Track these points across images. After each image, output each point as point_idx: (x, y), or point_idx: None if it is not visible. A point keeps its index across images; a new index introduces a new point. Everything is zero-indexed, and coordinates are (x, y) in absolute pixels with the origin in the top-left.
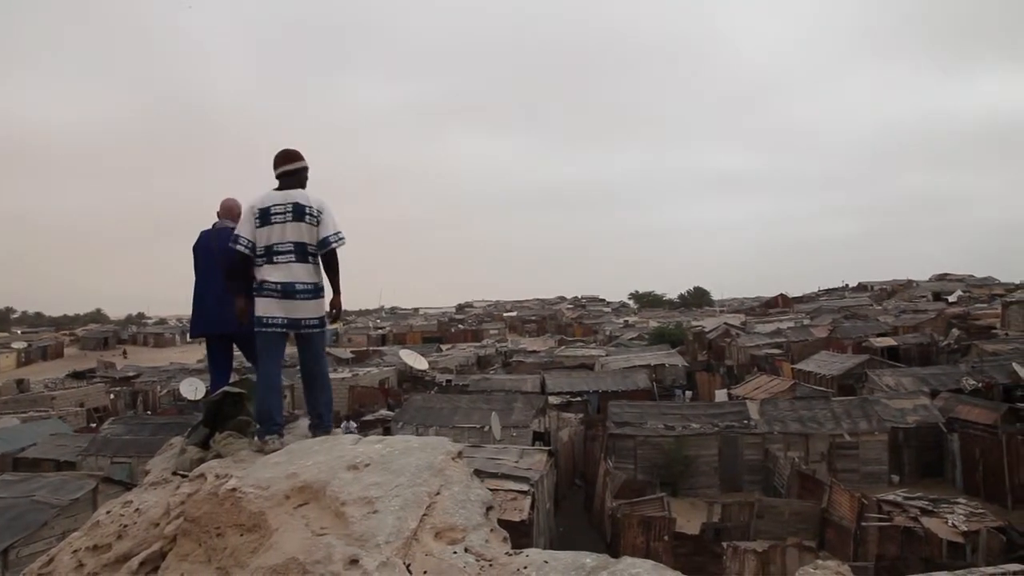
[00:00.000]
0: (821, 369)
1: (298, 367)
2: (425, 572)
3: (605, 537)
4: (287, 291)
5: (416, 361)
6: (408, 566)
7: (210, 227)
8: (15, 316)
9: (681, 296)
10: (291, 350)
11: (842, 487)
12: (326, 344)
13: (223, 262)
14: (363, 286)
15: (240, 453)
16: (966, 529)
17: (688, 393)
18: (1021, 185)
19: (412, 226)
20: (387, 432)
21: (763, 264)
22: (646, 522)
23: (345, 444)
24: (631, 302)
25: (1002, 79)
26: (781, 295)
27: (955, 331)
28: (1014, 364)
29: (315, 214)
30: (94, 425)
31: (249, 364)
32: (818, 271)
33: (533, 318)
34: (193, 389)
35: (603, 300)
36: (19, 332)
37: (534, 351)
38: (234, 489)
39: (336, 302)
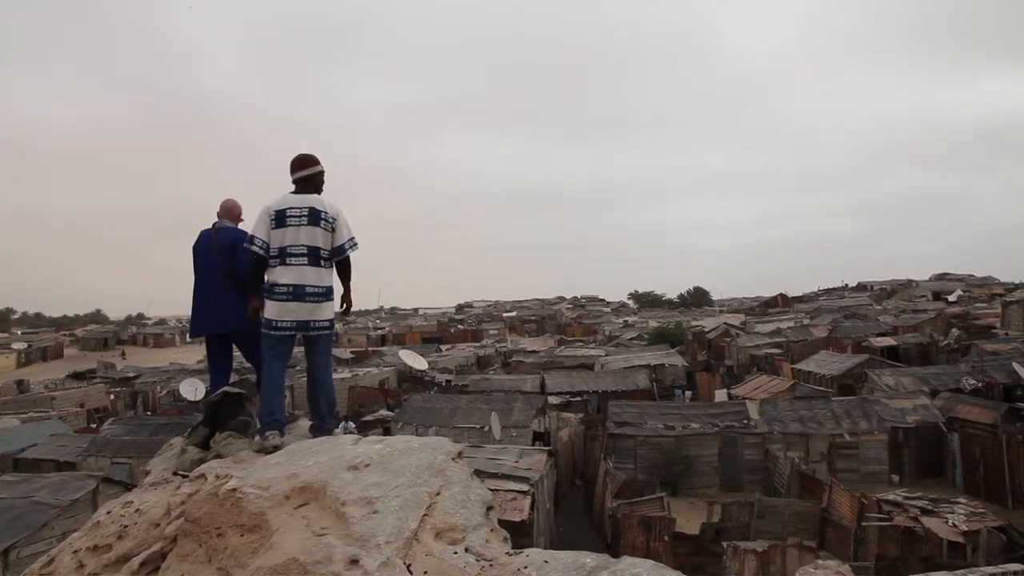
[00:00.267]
0: (821, 369)
1: (298, 367)
2: (425, 572)
3: (605, 537)
4: (298, 293)
5: (416, 361)
6: (408, 566)
7: (209, 227)
8: (15, 317)
9: (681, 296)
10: (296, 351)
11: (842, 487)
12: (331, 347)
13: (223, 263)
14: (363, 286)
15: (240, 453)
16: (966, 529)
17: (688, 393)
18: (1021, 185)
19: (411, 226)
20: (387, 432)
21: (763, 264)
22: (646, 522)
23: (345, 444)
24: (631, 302)
25: (1002, 79)
26: (781, 295)
27: (955, 331)
28: (1014, 364)
29: (330, 220)
30: (94, 426)
31: (249, 364)
32: (818, 271)
33: (533, 318)
34: (193, 389)
35: (603, 300)
36: (19, 333)
37: (534, 351)
38: (234, 489)
39: (347, 298)
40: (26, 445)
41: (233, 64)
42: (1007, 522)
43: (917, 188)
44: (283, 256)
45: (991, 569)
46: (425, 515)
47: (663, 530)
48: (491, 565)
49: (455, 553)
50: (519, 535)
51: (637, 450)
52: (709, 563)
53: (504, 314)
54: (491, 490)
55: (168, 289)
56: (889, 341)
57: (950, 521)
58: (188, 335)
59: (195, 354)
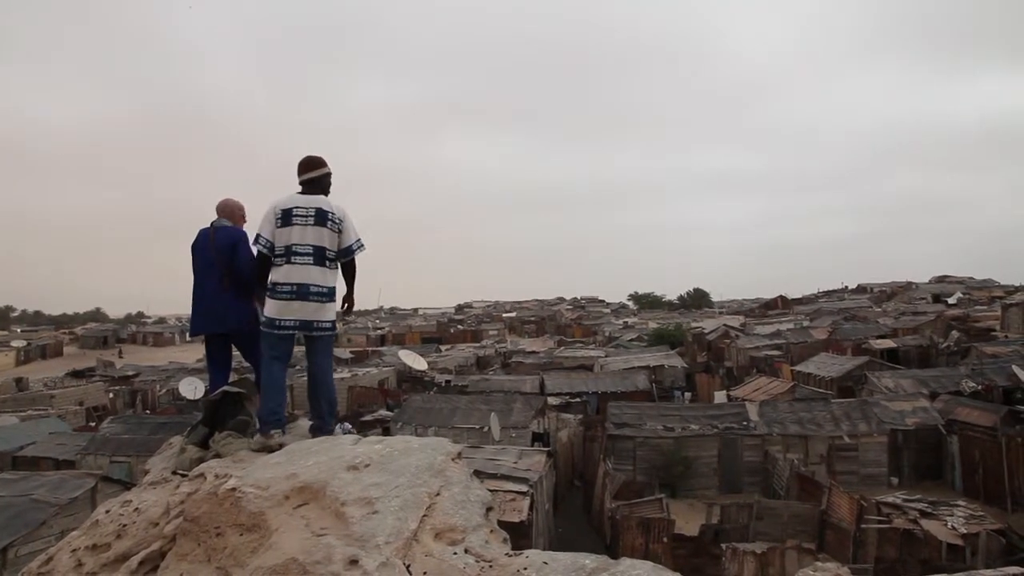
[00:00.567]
0: (820, 371)
1: (298, 367)
2: (425, 573)
3: (604, 538)
4: (302, 292)
5: (415, 361)
6: (408, 567)
7: (208, 226)
8: (15, 315)
9: (680, 297)
10: (296, 350)
11: (841, 489)
12: (332, 347)
13: (221, 261)
14: (363, 286)
15: (240, 453)
16: (965, 532)
17: (687, 394)
18: (1021, 187)
19: (411, 226)
20: (386, 432)
21: (762, 265)
22: (645, 523)
23: (345, 444)
24: (630, 303)
25: (1002, 80)
26: (780, 297)
27: (955, 333)
28: (1014, 366)
29: (337, 221)
30: (93, 424)
31: (248, 363)
32: (817, 272)
33: (532, 319)
34: (192, 388)
35: (602, 301)
36: (18, 331)
37: (533, 352)
38: (234, 489)
39: (350, 299)
40: (25, 443)
41: (233, 64)
42: (1006, 525)
43: (917, 189)
44: (288, 255)
45: (990, 572)
46: (425, 515)
47: (662, 531)
48: (491, 566)
49: (455, 554)
50: (518, 536)
51: (636, 451)
52: (708, 565)
53: (504, 315)
54: (490, 491)
55: (168, 288)
56: (889, 343)
57: (949, 524)
58: (188, 334)
59: (194, 353)
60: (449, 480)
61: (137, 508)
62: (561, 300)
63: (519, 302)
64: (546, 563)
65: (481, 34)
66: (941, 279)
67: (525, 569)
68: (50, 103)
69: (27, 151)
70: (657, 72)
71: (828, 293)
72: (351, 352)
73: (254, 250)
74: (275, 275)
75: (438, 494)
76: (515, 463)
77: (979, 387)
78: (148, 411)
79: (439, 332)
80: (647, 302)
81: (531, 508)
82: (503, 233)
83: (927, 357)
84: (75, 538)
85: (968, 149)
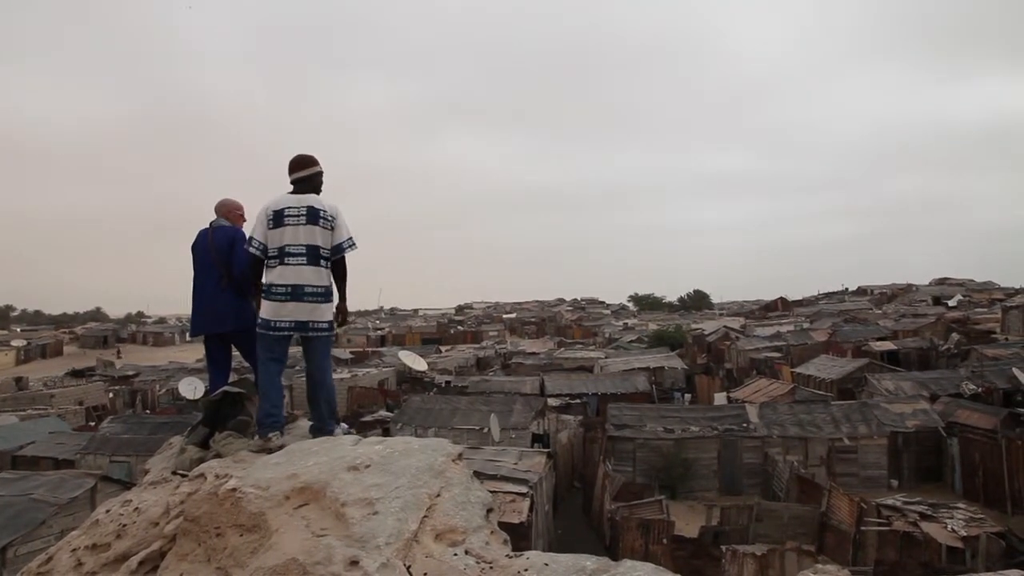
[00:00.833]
0: (821, 373)
1: (298, 367)
2: (425, 574)
3: (604, 540)
4: (296, 293)
5: (415, 362)
6: (409, 568)
7: (207, 226)
8: (15, 314)
9: (680, 299)
10: (294, 350)
11: (841, 491)
12: (331, 348)
13: (220, 261)
14: (362, 287)
15: (240, 453)
16: (965, 534)
17: (687, 396)
18: (1021, 188)
19: (411, 226)
20: (386, 433)
21: (763, 266)
22: (645, 525)
23: (345, 445)
24: (630, 304)
25: (1002, 81)
26: (781, 298)
27: (955, 335)
28: (1014, 369)
29: (329, 219)
30: (93, 424)
31: (248, 363)
32: (818, 274)
33: (532, 320)
34: (192, 388)
35: (602, 302)
36: (18, 330)
37: (533, 353)
38: (234, 489)
39: (342, 307)
40: (25, 442)
41: (233, 64)
42: (1006, 527)
43: (917, 190)
44: (282, 256)
45: (990, 575)
46: (425, 516)
47: (662, 533)
48: (491, 567)
49: (455, 555)
50: (518, 537)
51: (636, 453)
52: (708, 566)
53: (504, 315)
54: (490, 492)
55: (168, 288)
56: (889, 345)
57: (949, 526)
58: (188, 334)
59: (194, 353)
60: (449, 481)
61: (137, 508)
62: (561, 301)
63: (519, 303)
64: (547, 564)
65: (481, 34)
66: (941, 281)
67: (526, 571)
68: (50, 103)
69: (27, 151)
70: (657, 72)
71: (828, 295)
72: (351, 352)
73: (248, 252)
74: (269, 276)
75: (438, 495)
76: (515, 464)
77: (979, 389)
78: (148, 411)
79: (439, 333)
80: (647, 303)
81: (531, 509)
82: (503, 233)
83: (927, 359)
84: (75, 538)
85: (968, 150)
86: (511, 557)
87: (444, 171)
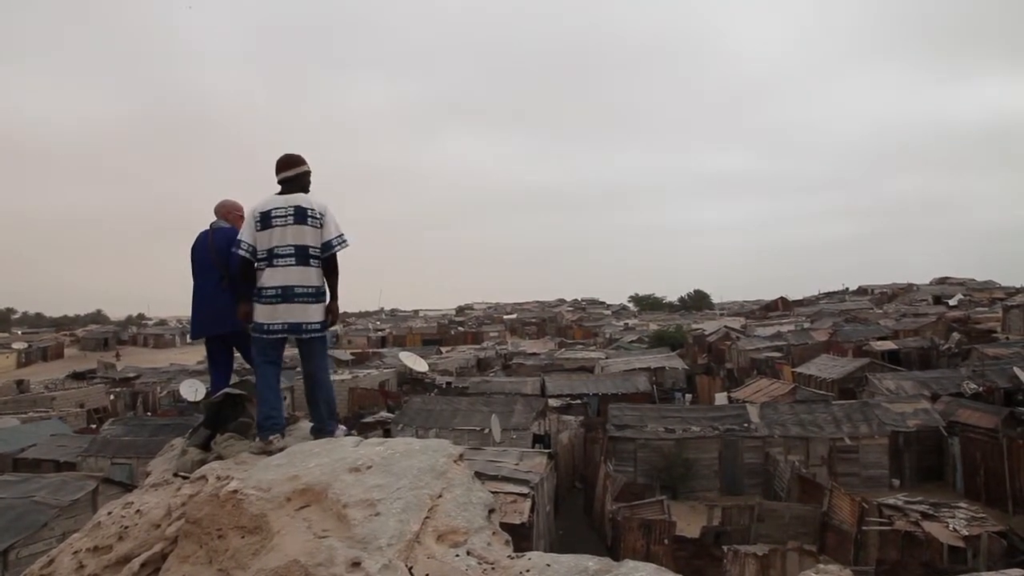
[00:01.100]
0: (821, 372)
1: (298, 368)
2: (427, 575)
3: (605, 540)
4: (286, 295)
5: (416, 363)
6: (411, 569)
7: (207, 228)
8: (16, 316)
9: (681, 299)
10: (292, 351)
11: (842, 491)
12: (327, 347)
13: (220, 263)
14: (363, 288)
15: (241, 455)
16: (967, 534)
17: (688, 396)
18: (1021, 188)
19: (411, 227)
20: (387, 434)
21: (763, 267)
22: (646, 525)
23: (347, 446)
24: (631, 305)
25: (1003, 81)
26: (781, 298)
27: (956, 335)
28: (1015, 368)
29: (318, 216)
30: (94, 426)
31: (249, 365)
32: (818, 274)
33: (533, 320)
34: (193, 390)
35: (603, 303)
36: (19, 332)
37: (534, 353)
38: (235, 491)
39: (333, 307)
40: (26, 445)
41: (233, 64)
42: (1008, 527)
43: (917, 190)
44: (271, 258)
45: (992, 574)
46: (427, 517)
47: (663, 533)
48: (493, 568)
49: (457, 556)
50: (519, 538)
51: (637, 453)
52: (709, 567)
53: (504, 316)
54: (491, 492)
55: (169, 289)
56: (890, 345)
57: (951, 526)
58: (189, 336)
59: (195, 355)
60: (451, 482)
61: (139, 510)
62: (562, 302)
63: (520, 303)
64: (548, 565)
65: (481, 34)
66: (942, 281)
67: (528, 571)
68: (50, 103)
69: (27, 151)
70: (657, 72)
71: (829, 295)
72: (351, 354)
73: (237, 255)
74: (259, 279)
75: (440, 496)
76: (516, 465)
77: (980, 389)
78: (149, 413)
79: (440, 334)
80: (648, 304)
81: (532, 510)
82: (503, 234)
83: (928, 359)
84: (76, 540)
85: (968, 150)
86: (513, 558)
87: (444, 171)
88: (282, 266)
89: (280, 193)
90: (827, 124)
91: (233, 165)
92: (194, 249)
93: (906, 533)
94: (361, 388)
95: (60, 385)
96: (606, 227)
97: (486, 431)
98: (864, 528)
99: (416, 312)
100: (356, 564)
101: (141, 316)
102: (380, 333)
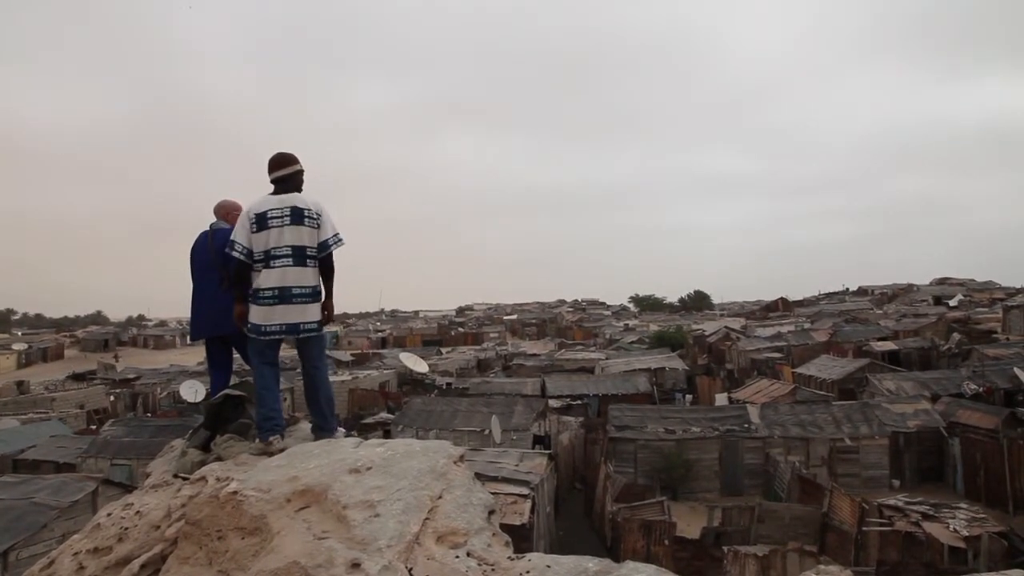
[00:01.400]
0: (822, 373)
1: (297, 369)
2: None
3: (605, 541)
4: (284, 296)
5: (416, 364)
6: (410, 570)
7: (207, 229)
8: (16, 318)
9: (681, 300)
10: (291, 352)
11: (843, 491)
12: (326, 347)
13: (219, 263)
14: (363, 288)
15: (241, 456)
16: (967, 534)
17: (688, 397)
18: (1021, 188)
19: (412, 227)
20: (387, 435)
21: (763, 267)
22: (646, 526)
23: (347, 447)
24: (631, 305)
25: (1003, 82)
26: (781, 299)
27: (956, 335)
28: (1015, 368)
29: (314, 216)
30: (94, 427)
31: (248, 366)
32: (818, 275)
33: (533, 321)
34: (193, 391)
35: (603, 303)
36: (19, 334)
37: (534, 354)
38: (235, 492)
39: (328, 305)
40: (26, 446)
41: (233, 64)
42: (1008, 527)
43: (917, 190)
44: (267, 259)
45: (992, 575)
46: (427, 519)
47: (663, 534)
48: (493, 569)
49: (457, 557)
50: (519, 539)
51: (637, 454)
52: (709, 567)
53: (505, 317)
54: (491, 494)
55: (169, 290)
56: (890, 345)
57: (951, 526)
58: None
59: (195, 356)
60: (451, 483)
61: (138, 511)
62: (562, 302)
63: (520, 304)
64: (549, 566)
65: (481, 34)
66: (942, 281)
67: (528, 572)
68: (50, 103)
69: (27, 151)
70: (657, 73)
71: (829, 295)
72: (352, 354)
73: (231, 256)
74: (256, 281)
75: (440, 497)
76: (516, 466)
77: (980, 389)
78: (149, 414)
79: (440, 334)
80: (648, 304)
81: (532, 511)
82: (503, 234)
83: (928, 359)
84: (76, 541)
85: (968, 150)
86: (513, 559)
87: (444, 171)
88: (279, 267)
89: (274, 193)
90: (827, 124)
91: (233, 165)
92: (194, 250)
93: (906, 534)
94: (361, 389)
95: (60, 386)
96: (606, 227)
97: (486, 432)
98: (864, 529)
99: (416, 313)
100: (356, 565)
101: (141, 317)
102: (380, 334)
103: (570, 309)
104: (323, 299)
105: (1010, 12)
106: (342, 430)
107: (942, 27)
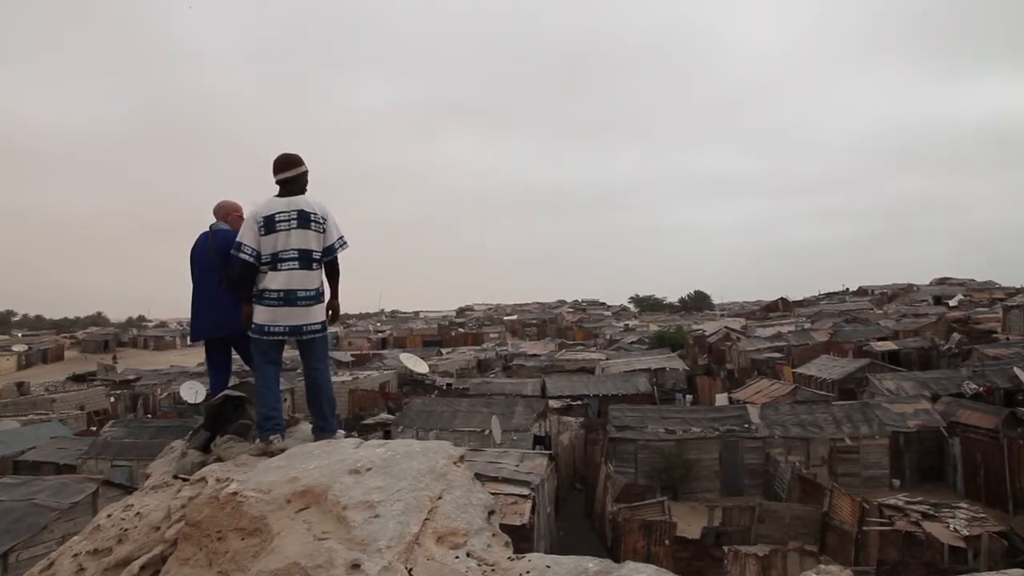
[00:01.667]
0: (822, 373)
1: (298, 370)
2: None
3: (606, 541)
4: (289, 298)
5: (416, 364)
6: (410, 570)
7: (207, 230)
8: (16, 319)
9: (681, 300)
10: (292, 353)
11: (843, 491)
12: (328, 348)
13: (220, 264)
14: (363, 289)
15: (241, 457)
16: (968, 534)
17: (688, 397)
18: (1022, 188)
19: (412, 228)
20: (387, 436)
21: (763, 267)
22: (647, 526)
23: (347, 448)
24: (631, 306)
25: (1003, 82)
26: (782, 299)
27: (956, 335)
28: (1015, 368)
29: (320, 220)
30: (94, 428)
31: (248, 367)
32: (818, 275)
33: (533, 321)
34: (193, 392)
35: (603, 304)
36: (19, 335)
37: (534, 355)
38: (235, 493)
39: (334, 304)
40: (26, 447)
41: (233, 64)
42: (1008, 527)
43: (917, 190)
44: (275, 262)
45: (993, 574)
46: (427, 519)
47: (664, 534)
48: (493, 570)
49: (457, 557)
50: (520, 539)
51: (638, 454)
52: (710, 567)
53: (505, 317)
54: (492, 494)
55: (169, 291)
56: (890, 345)
57: (951, 526)
58: (189, 339)
59: (195, 357)
60: (451, 484)
61: (139, 512)
62: (562, 303)
63: (520, 305)
64: (549, 567)
65: (481, 34)
66: (942, 281)
67: (528, 573)
68: (50, 103)
69: (27, 151)
70: (657, 73)
71: (829, 295)
72: (352, 355)
73: (239, 258)
74: (262, 282)
75: (440, 498)
76: (516, 466)
77: (980, 389)
78: (149, 415)
79: (440, 335)
80: (648, 304)
81: (533, 511)
82: (504, 235)
83: (928, 359)
84: (76, 543)
85: (968, 150)
86: (513, 559)
87: (444, 171)
88: (285, 270)
89: (279, 195)
90: (827, 124)
91: (233, 165)
92: (194, 251)
93: (907, 533)
94: (361, 389)
95: (60, 387)
96: (606, 227)
97: (487, 432)
98: (865, 528)
99: (416, 313)
100: (356, 566)
101: (141, 318)
102: (380, 334)
103: (570, 309)
104: (328, 299)
105: (1010, 12)
106: (342, 431)
107: (942, 27)
